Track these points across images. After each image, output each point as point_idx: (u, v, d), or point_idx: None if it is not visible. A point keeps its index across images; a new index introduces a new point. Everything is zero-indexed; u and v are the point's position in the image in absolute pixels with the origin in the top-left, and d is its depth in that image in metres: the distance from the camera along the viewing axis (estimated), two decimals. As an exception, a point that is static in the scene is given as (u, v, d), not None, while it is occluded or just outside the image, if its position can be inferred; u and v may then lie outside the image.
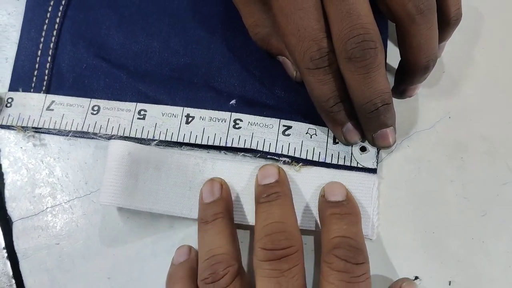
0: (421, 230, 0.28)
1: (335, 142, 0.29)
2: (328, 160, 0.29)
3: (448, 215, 0.29)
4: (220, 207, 0.27)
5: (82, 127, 0.31)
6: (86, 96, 0.31)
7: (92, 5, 0.33)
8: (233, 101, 0.30)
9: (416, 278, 0.28)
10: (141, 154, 0.29)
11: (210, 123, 0.30)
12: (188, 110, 0.30)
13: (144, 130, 0.30)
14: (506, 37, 0.32)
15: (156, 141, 0.30)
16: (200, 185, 0.28)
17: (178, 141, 0.30)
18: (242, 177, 0.29)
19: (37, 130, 0.31)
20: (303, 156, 0.29)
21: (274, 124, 0.29)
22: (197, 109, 0.30)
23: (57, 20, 0.33)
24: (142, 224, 0.29)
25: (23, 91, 0.32)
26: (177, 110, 0.30)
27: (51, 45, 0.32)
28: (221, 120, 0.30)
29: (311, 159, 0.29)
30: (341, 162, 0.29)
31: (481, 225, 0.28)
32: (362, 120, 0.26)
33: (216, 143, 0.29)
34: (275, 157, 0.29)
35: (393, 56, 0.30)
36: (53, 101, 0.31)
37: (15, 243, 0.29)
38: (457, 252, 0.28)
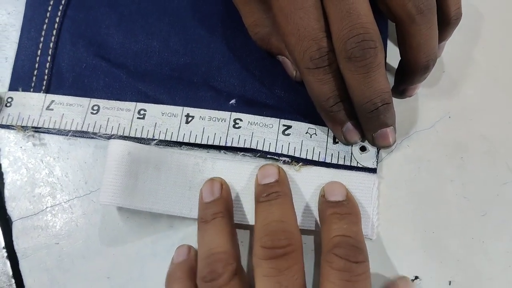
0: (421, 229, 0.28)
1: (335, 142, 0.29)
2: (328, 160, 0.29)
3: (448, 215, 0.29)
4: (219, 206, 0.27)
5: (82, 126, 0.31)
6: (85, 95, 0.31)
7: (92, 5, 0.33)
8: (233, 101, 0.30)
9: (416, 278, 0.28)
10: (141, 154, 0.29)
11: (210, 123, 0.30)
12: (188, 110, 0.30)
13: (144, 130, 0.30)
14: (506, 37, 0.32)
15: (156, 141, 0.30)
16: (200, 184, 0.28)
17: (178, 140, 0.30)
18: (242, 176, 0.29)
19: (37, 129, 0.31)
20: (303, 156, 0.29)
21: (274, 123, 0.29)
22: (196, 108, 0.30)
23: (57, 19, 0.33)
24: (142, 223, 0.29)
25: (22, 90, 0.32)
26: (177, 109, 0.30)
27: (51, 44, 0.32)
28: (221, 120, 0.30)
29: (311, 158, 0.29)
30: (341, 162, 0.28)
31: (481, 225, 0.28)
32: (362, 120, 0.26)
33: (216, 143, 0.29)
34: (275, 157, 0.29)
35: (393, 56, 0.30)
36: (52, 101, 0.31)
37: (14, 243, 0.29)
38: (457, 251, 0.28)
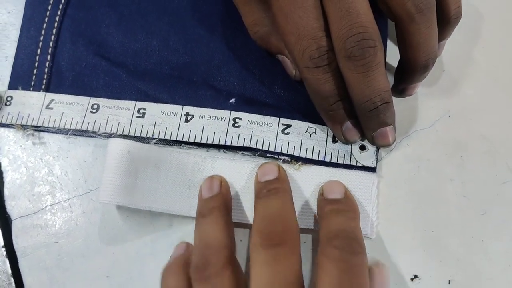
0: (421, 229, 0.28)
1: (334, 141, 0.29)
2: (327, 159, 0.29)
3: (448, 214, 0.28)
4: (217, 202, 0.27)
5: (82, 125, 0.31)
6: (85, 94, 0.31)
7: (91, 4, 0.33)
8: (232, 100, 0.30)
9: (416, 276, 0.28)
10: (141, 153, 0.29)
11: (209, 122, 0.30)
12: (188, 109, 0.30)
13: (144, 129, 0.30)
14: (506, 36, 0.32)
15: (156, 140, 0.30)
16: (199, 183, 0.28)
17: (178, 139, 0.30)
18: (241, 175, 0.29)
19: (37, 128, 0.31)
20: (303, 155, 0.29)
21: (273, 122, 0.29)
22: (196, 107, 0.30)
23: (57, 18, 0.33)
24: (142, 222, 0.29)
25: (22, 89, 0.32)
26: (177, 108, 0.30)
27: (51, 43, 0.32)
28: (220, 119, 0.30)
29: (310, 157, 0.29)
30: (340, 161, 0.28)
31: (481, 224, 0.28)
32: (361, 119, 0.26)
33: (216, 142, 0.29)
34: (275, 156, 0.29)
35: (393, 55, 0.30)
36: (52, 100, 0.31)
37: (14, 242, 0.29)
38: (456, 251, 0.28)
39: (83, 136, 0.31)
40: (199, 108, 0.30)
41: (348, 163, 0.28)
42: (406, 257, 0.28)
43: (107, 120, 0.30)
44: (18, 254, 0.29)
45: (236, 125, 0.30)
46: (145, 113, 0.30)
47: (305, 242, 0.28)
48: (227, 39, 0.32)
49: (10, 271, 0.29)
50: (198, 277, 0.24)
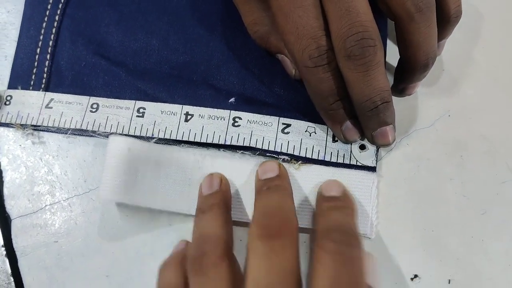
0: (421, 228, 0.28)
1: (334, 140, 0.29)
2: (327, 158, 0.29)
3: (448, 214, 0.28)
4: (217, 198, 0.27)
5: (81, 125, 0.31)
6: (85, 94, 0.31)
7: (91, 3, 0.33)
8: (232, 99, 0.30)
9: (416, 276, 0.28)
10: (141, 150, 0.29)
11: (209, 121, 0.30)
12: (187, 108, 0.30)
13: (143, 128, 0.30)
14: (506, 36, 0.32)
15: (155, 139, 0.30)
16: (199, 181, 0.28)
17: (177, 139, 0.30)
18: (241, 174, 0.29)
19: (36, 128, 0.31)
20: (302, 154, 0.29)
21: (273, 122, 0.29)
22: (196, 107, 0.30)
23: (56, 18, 0.33)
24: (141, 222, 0.29)
25: (22, 88, 0.32)
26: (176, 108, 0.30)
27: (50, 43, 0.32)
28: (220, 118, 0.30)
29: (310, 157, 0.29)
30: (340, 160, 0.28)
31: (481, 224, 0.28)
32: (361, 118, 0.26)
33: (215, 141, 0.29)
34: (275, 155, 0.29)
35: (393, 54, 0.30)
36: (52, 99, 0.31)
37: (13, 241, 0.29)
38: (456, 250, 0.28)
39: (82, 135, 0.31)
40: (198, 107, 0.30)
41: (348, 163, 0.28)
42: (406, 257, 0.28)
43: (107, 120, 0.30)
44: (18, 253, 0.29)
45: (236, 124, 0.29)
46: (144, 112, 0.30)
47: (305, 242, 0.28)
48: (227, 38, 0.32)
49: (9, 271, 0.29)
50: (193, 269, 0.24)
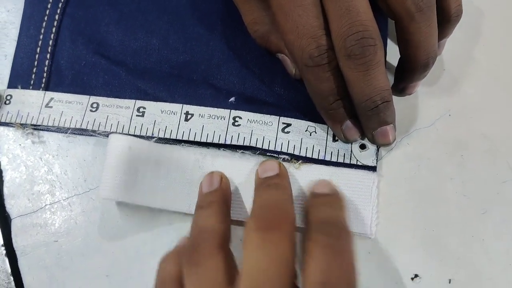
0: (421, 228, 0.28)
1: (334, 140, 0.29)
2: (327, 158, 0.29)
3: (448, 213, 0.28)
4: (217, 196, 0.27)
5: (81, 124, 0.31)
6: (85, 93, 0.31)
7: (91, 2, 0.33)
8: (232, 99, 0.30)
9: (416, 276, 0.28)
10: (142, 149, 0.29)
11: (209, 121, 0.30)
12: (187, 108, 0.30)
13: (143, 128, 0.30)
14: (507, 35, 0.32)
15: (155, 139, 0.30)
16: (200, 180, 0.28)
17: (177, 138, 0.30)
18: (241, 173, 0.29)
19: (36, 127, 0.31)
20: (303, 154, 0.29)
21: (273, 121, 0.29)
22: (196, 106, 0.30)
23: (56, 17, 0.33)
24: (141, 221, 0.29)
25: (22, 88, 0.32)
26: (176, 107, 0.30)
27: (50, 42, 0.32)
28: (220, 118, 0.30)
29: (310, 156, 0.29)
30: (340, 160, 0.28)
31: (481, 223, 0.28)
32: (361, 118, 0.26)
33: (215, 141, 0.29)
34: (275, 155, 0.29)
35: (393, 54, 0.30)
36: (52, 98, 0.31)
37: (13, 240, 0.29)
38: (457, 250, 0.28)
39: (82, 135, 0.31)
40: (199, 106, 0.30)
41: (348, 162, 0.28)
42: (406, 256, 0.28)
43: (107, 119, 0.30)
44: (18, 253, 0.29)
45: (236, 124, 0.29)
46: (144, 111, 0.30)
47: (305, 241, 0.28)
48: (227, 37, 0.32)
49: (9, 270, 0.29)
50: (188, 260, 0.24)
